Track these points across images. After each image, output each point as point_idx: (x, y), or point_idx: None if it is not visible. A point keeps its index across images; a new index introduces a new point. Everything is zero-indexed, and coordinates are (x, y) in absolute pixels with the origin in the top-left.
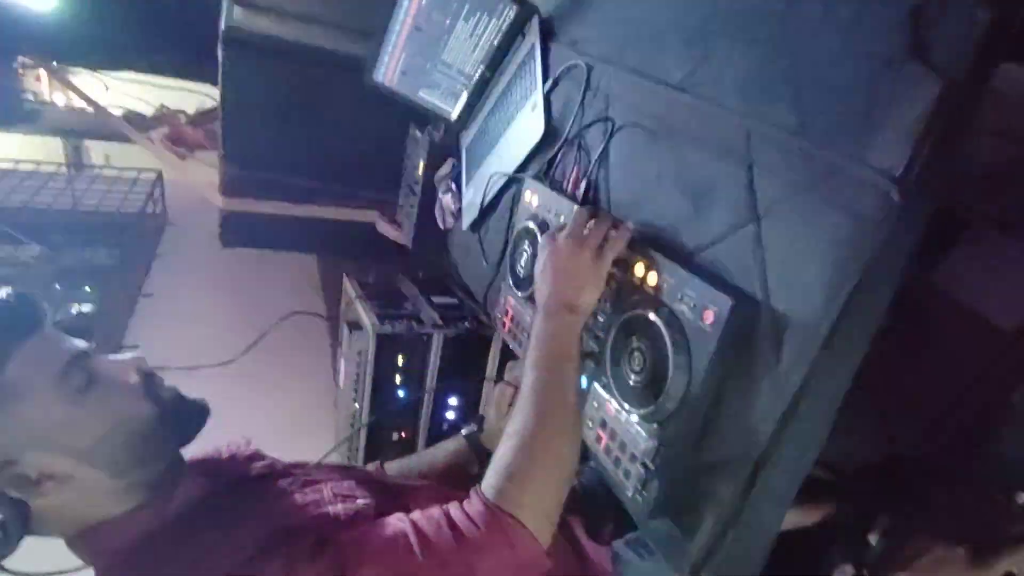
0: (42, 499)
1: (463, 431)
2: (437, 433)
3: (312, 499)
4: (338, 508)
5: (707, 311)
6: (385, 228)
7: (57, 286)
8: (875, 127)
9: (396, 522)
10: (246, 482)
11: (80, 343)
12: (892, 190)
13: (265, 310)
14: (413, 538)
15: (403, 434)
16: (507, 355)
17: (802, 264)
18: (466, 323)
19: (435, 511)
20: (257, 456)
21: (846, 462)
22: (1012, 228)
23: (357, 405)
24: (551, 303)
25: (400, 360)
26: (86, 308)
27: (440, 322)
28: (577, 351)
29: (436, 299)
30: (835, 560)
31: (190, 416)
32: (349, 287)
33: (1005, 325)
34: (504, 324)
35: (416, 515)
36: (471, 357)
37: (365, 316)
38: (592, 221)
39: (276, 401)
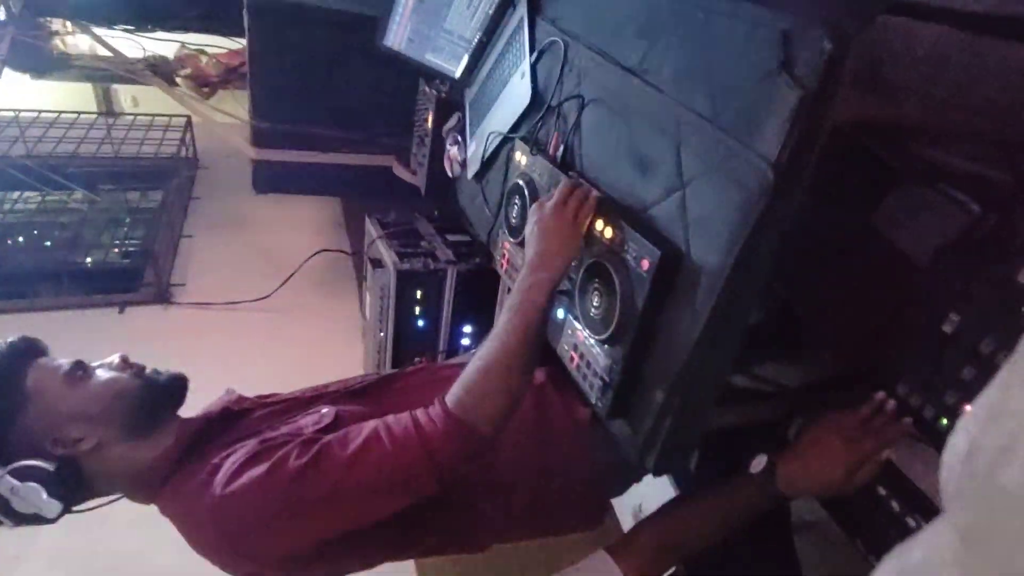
0: (85, 459)
1: (471, 351)
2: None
3: (286, 418)
4: (308, 420)
5: (644, 260)
6: (401, 171)
7: (104, 229)
8: (759, 122)
9: (372, 423)
10: (233, 417)
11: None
12: (768, 171)
13: (295, 248)
14: (383, 433)
15: (423, 360)
16: None
17: (710, 224)
18: (477, 259)
19: (405, 415)
20: (240, 399)
21: (782, 377)
22: (930, 179)
23: (382, 334)
24: (534, 260)
25: (419, 294)
26: (135, 242)
27: (454, 258)
28: (547, 301)
29: (450, 237)
30: (752, 451)
31: (171, 384)
32: (371, 227)
33: (920, 261)
34: (502, 265)
35: (389, 417)
36: (483, 289)
37: (386, 254)
38: (572, 193)
39: (309, 332)
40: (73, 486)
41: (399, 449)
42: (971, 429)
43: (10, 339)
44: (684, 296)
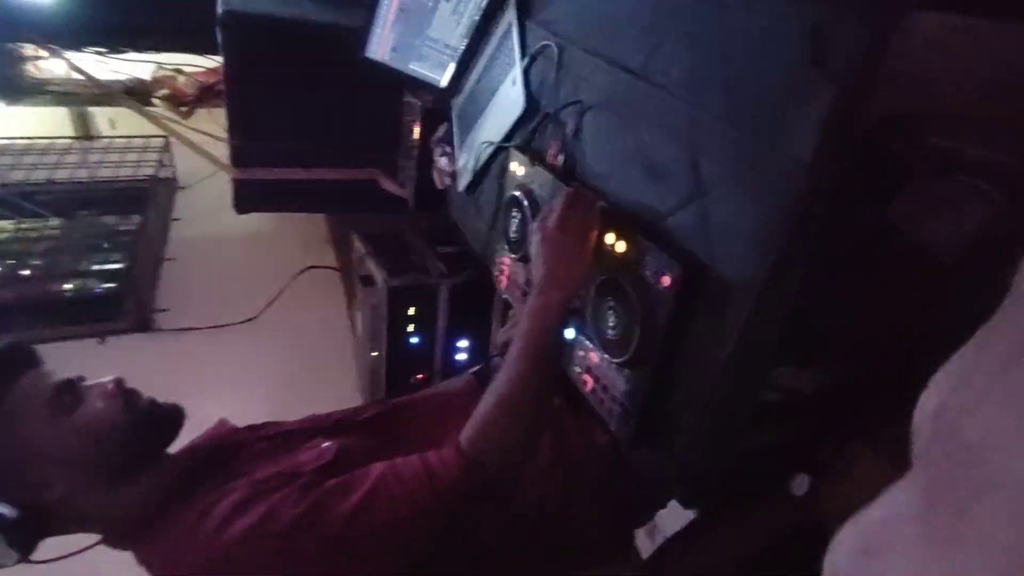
0: (51, 505)
1: (471, 370)
2: (451, 374)
3: (283, 453)
4: (306, 457)
5: (664, 276)
6: (387, 184)
7: (82, 255)
8: (788, 122)
9: (378, 467)
10: (225, 451)
11: (69, 374)
12: (801, 175)
13: (281, 267)
14: (392, 478)
15: (420, 376)
16: None
17: (738, 234)
18: (470, 271)
19: (415, 458)
20: (233, 430)
21: (807, 389)
22: (947, 170)
23: (375, 353)
24: (545, 281)
25: (411, 310)
26: (114, 268)
27: (446, 271)
28: (559, 323)
29: (441, 249)
30: (791, 471)
31: (165, 420)
32: (358, 243)
33: (944, 259)
34: (501, 282)
35: (397, 461)
36: (477, 302)
37: (376, 271)
38: (575, 203)
39: (299, 352)
40: (37, 534)
41: (408, 496)
42: (941, 389)
43: None
44: (711, 313)
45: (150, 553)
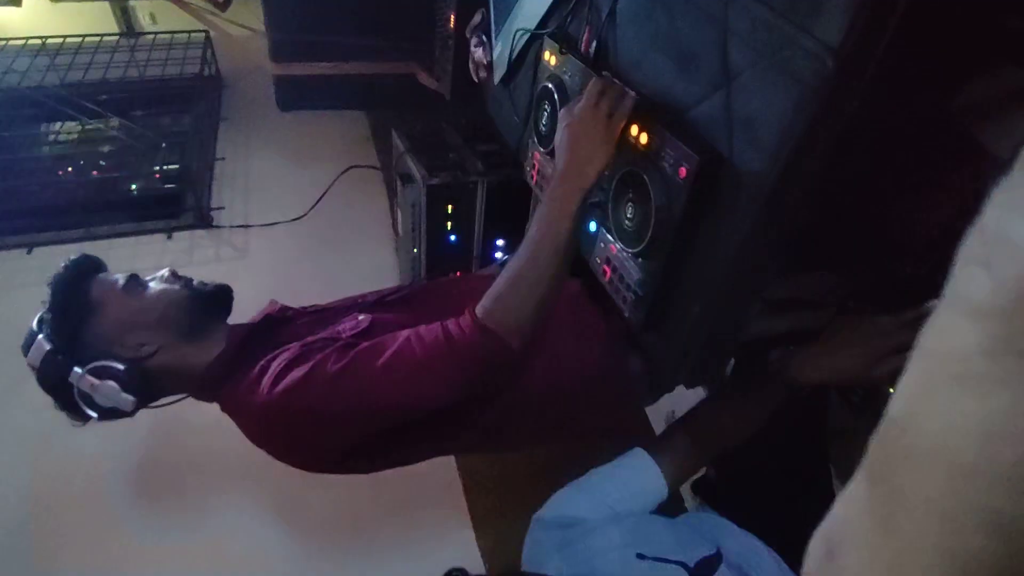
0: (147, 361)
1: (502, 259)
2: None
3: (326, 324)
4: (345, 325)
5: (681, 167)
6: (425, 79)
7: (143, 155)
8: (821, 1)
9: (404, 333)
10: (277, 324)
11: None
12: (828, 59)
13: (325, 165)
14: (415, 342)
15: (458, 273)
16: None
17: (757, 125)
18: (508, 169)
19: (436, 325)
20: (283, 308)
21: (827, 287)
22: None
23: (415, 250)
24: (564, 169)
25: (449, 208)
26: (172, 166)
27: (483, 170)
28: (577, 212)
29: (479, 147)
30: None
31: (217, 292)
32: (398, 141)
33: (1003, 154)
34: (532, 177)
35: (421, 328)
36: (514, 200)
37: (415, 169)
38: (603, 93)
39: (345, 249)
40: (143, 384)
41: (428, 359)
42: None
43: (72, 257)
44: (725, 205)
45: (227, 403)
